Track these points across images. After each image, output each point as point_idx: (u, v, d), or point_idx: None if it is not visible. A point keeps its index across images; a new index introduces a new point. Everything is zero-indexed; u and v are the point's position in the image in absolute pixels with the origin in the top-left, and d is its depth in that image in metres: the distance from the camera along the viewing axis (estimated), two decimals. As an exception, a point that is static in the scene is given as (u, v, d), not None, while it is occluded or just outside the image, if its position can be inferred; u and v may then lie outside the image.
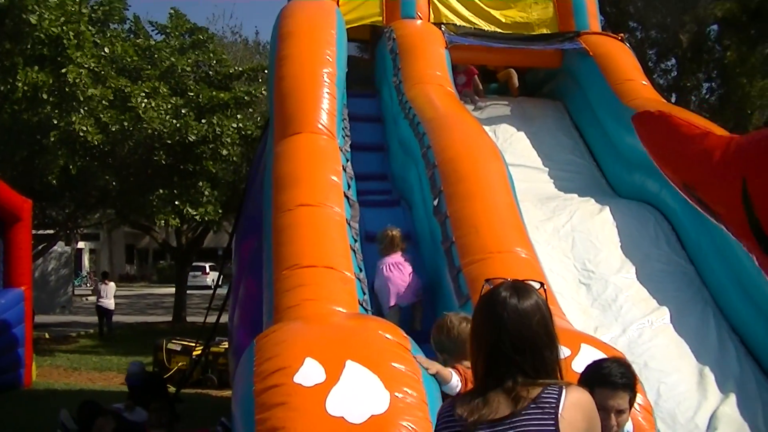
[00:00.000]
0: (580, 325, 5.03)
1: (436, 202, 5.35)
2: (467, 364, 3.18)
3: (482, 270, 4.63)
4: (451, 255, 4.91)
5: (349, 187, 5.39)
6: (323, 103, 5.89)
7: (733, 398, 4.88)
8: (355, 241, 4.98)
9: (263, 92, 14.93)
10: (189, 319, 20.35)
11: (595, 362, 2.92)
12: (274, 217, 4.87)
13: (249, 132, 14.45)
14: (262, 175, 5.96)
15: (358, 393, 3.00)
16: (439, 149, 5.72)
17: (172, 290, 22.55)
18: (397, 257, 5.37)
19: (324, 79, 6.09)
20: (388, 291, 5.24)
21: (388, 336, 3.42)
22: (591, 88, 7.85)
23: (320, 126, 5.72)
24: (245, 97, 14.73)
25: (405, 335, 3.55)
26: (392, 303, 5.24)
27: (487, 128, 6.92)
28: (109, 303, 18.18)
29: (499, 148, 5.97)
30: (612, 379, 2.77)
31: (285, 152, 5.47)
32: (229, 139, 14.05)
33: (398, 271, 5.29)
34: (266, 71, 15.02)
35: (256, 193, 6.47)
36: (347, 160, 5.79)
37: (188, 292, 22.23)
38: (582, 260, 5.97)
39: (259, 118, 15.84)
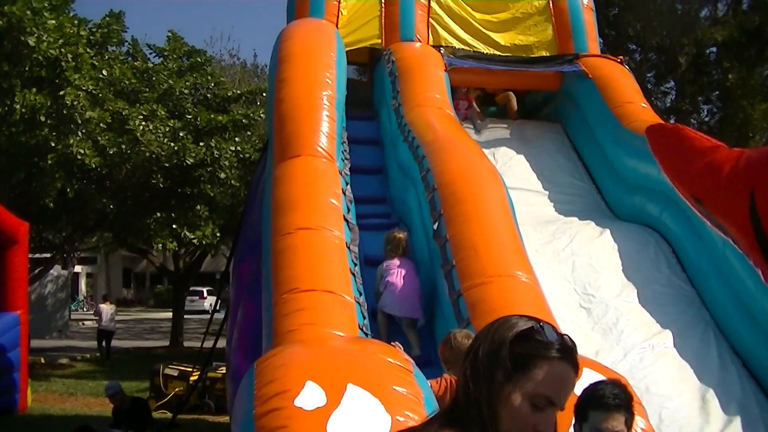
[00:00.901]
0: (581, 349, 5.00)
1: (435, 226, 5.37)
2: None
3: (482, 294, 4.66)
4: (451, 279, 4.93)
5: (348, 210, 5.43)
6: (322, 126, 5.95)
7: (736, 422, 4.88)
8: (355, 264, 5.01)
9: (261, 115, 15.06)
10: (186, 343, 20.30)
11: (590, 385, 2.92)
12: (273, 241, 4.91)
13: (247, 155, 14.53)
14: (261, 199, 6.01)
15: (360, 416, 3.01)
16: (439, 172, 5.77)
17: (170, 315, 22.51)
18: (401, 262, 5.50)
19: (323, 101, 6.16)
20: (386, 297, 5.33)
21: (389, 359, 3.44)
22: (590, 110, 7.92)
23: (319, 149, 5.77)
24: (243, 120, 14.84)
25: (407, 358, 3.57)
26: (387, 310, 5.35)
27: (486, 151, 6.97)
28: (110, 325, 18.17)
29: (498, 171, 6.01)
30: (605, 400, 2.78)
31: (284, 175, 5.52)
32: (227, 162, 14.13)
33: (401, 278, 5.39)
34: (265, 94, 15.16)
35: (255, 217, 6.50)
36: (347, 183, 5.83)
37: (186, 316, 22.19)
38: (582, 284, 5.99)
39: (257, 141, 15.93)
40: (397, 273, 5.48)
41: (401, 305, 5.38)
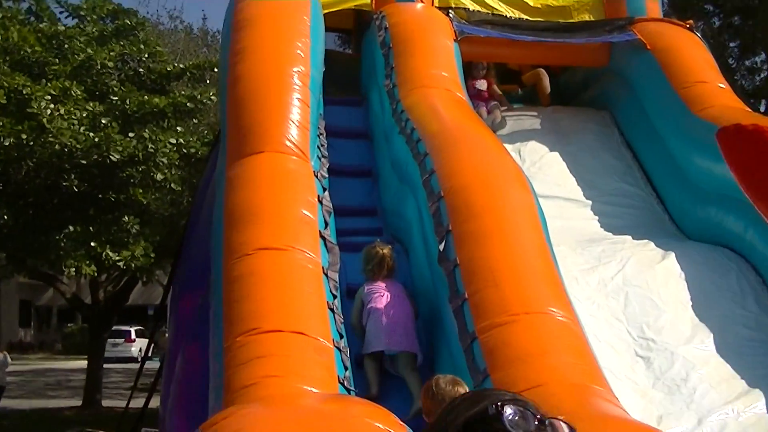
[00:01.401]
0: (638, 413, 5.06)
1: (442, 246, 5.44)
2: None
3: (504, 337, 4.70)
4: (463, 317, 4.98)
5: (326, 225, 5.49)
6: (292, 113, 6.01)
7: None
8: (334, 297, 5.05)
9: (212, 97, 15.07)
10: (105, 403, 20.19)
11: None
12: (226, 265, 4.96)
13: (192, 150, 14.53)
14: (211, 208, 6.05)
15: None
16: (447, 175, 5.83)
17: (84, 364, 22.41)
18: (388, 284, 5.65)
19: (294, 80, 6.21)
20: (372, 334, 5.47)
21: (378, 425, 3.45)
22: (649, 93, 8.01)
23: (288, 143, 5.84)
24: (188, 104, 14.84)
25: (401, 423, 3.58)
26: (373, 347, 5.45)
27: (509, 147, 7.03)
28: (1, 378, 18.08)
29: (525, 173, 6.08)
30: None
31: (241, 177, 5.57)
32: (165, 160, 14.10)
33: (389, 308, 5.53)
34: (216, 69, 15.17)
35: (202, 233, 6.52)
36: (324, 189, 5.88)
37: (105, 366, 22.10)
38: (639, 324, 6.04)
39: (206, 132, 15.96)
40: (383, 297, 5.60)
41: (390, 336, 5.48)
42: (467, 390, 3.97)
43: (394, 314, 5.55)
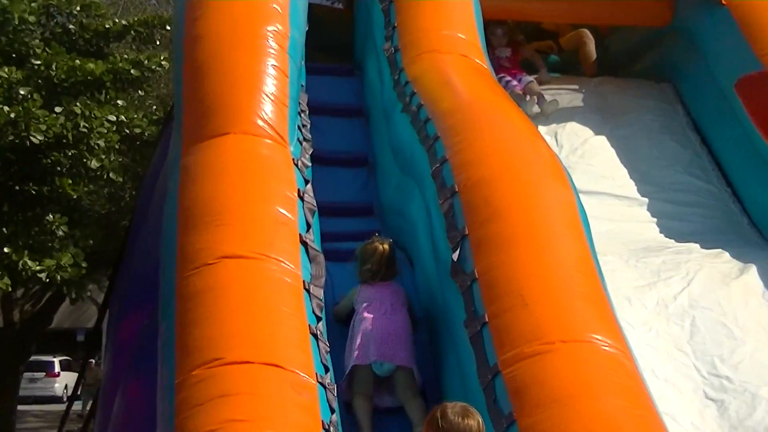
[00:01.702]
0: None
1: (456, 255, 5.46)
2: None
3: (536, 372, 4.69)
4: (482, 345, 4.98)
5: (308, 227, 5.51)
6: (266, 84, 6.03)
7: None
8: (318, 319, 5.06)
9: (163, 63, 15.05)
10: (23, 454, 20.17)
11: None
12: (180, 278, 4.97)
13: (137, 130, 14.50)
14: (162, 205, 6.06)
15: None
16: (463, 164, 5.86)
17: (-5, 403, 22.41)
18: (384, 291, 5.84)
19: (268, 43, 6.24)
20: (358, 343, 5.65)
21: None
22: (723, 60, 8.01)
23: (261, 123, 5.87)
24: (131, 71, 14.82)
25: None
26: (359, 361, 5.60)
27: (543, 129, 7.06)
28: None
29: (563, 162, 6.08)
30: None
31: (201, 166, 5.60)
32: (102, 142, 14.05)
33: (383, 315, 5.71)
34: (169, 27, 15.17)
35: (150, 236, 6.53)
36: (306, 182, 5.91)
37: (20, 407, 22.07)
38: (709, 358, 6.03)
39: (155, 107, 15.94)
40: (378, 305, 5.76)
41: (380, 346, 5.63)
42: (481, 423, 4.06)
43: (387, 323, 5.71)
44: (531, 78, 8.48)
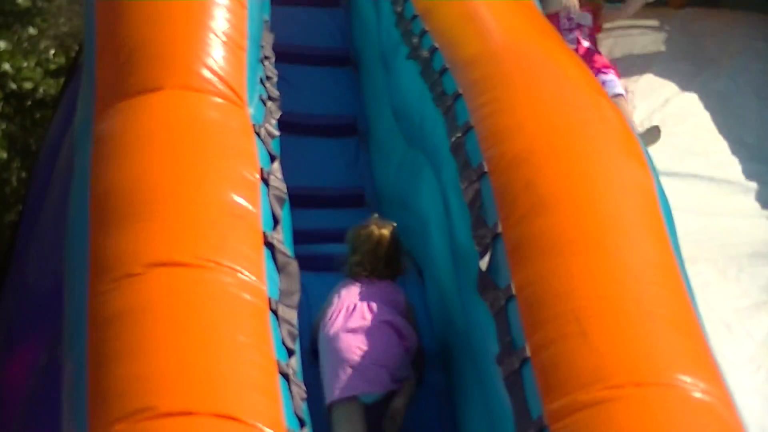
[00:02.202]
0: None
1: (485, 262, 5.46)
2: None
3: (598, 426, 4.72)
4: (522, 388, 4.98)
5: (276, 223, 5.53)
6: (214, 19, 6.07)
7: None
8: (290, 353, 5.04)
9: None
10: None
11: None
12: (94, 294, 4.94)
13: (28, 85, 14.55)
14: (65, 191, 6.07)
15: None
16: (496, 132, 5.87)
17: None
18: (371, 289, 6.00)
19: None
20: (336, 368, 5.83)
21: None
22: None
23: (207, 72, 5.89)
24: (18, 1, 14.87)
25: None
26: (338, 394, 5.80)
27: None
28: None
29: (637, 130, 6.09)
30: None
31: (121, 135, 5.61)
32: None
33: (368, 327, 5.90)
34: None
35: (47, 235, 6.56)
36: (273, 159, 5.93)
37: None
38: None
39: (53, 52, 15.94)
40: (361, 312, 5.92)
41: (367, 372, 5.82)
42: None
43: (373, 340, 5.86)
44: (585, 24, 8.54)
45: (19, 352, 6.82)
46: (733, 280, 6.56)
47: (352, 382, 5.77)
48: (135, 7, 6.15)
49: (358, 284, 6.02)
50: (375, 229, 6.05)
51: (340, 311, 5.94)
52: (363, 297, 5.96)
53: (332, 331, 5.91)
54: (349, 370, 5.79)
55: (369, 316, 5.91)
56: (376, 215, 6.22)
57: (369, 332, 5.85)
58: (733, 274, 6.60)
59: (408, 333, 5.96)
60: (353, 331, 5.87)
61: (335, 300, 6.05)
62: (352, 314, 5.91)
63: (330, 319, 5.94)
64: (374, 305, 5.92)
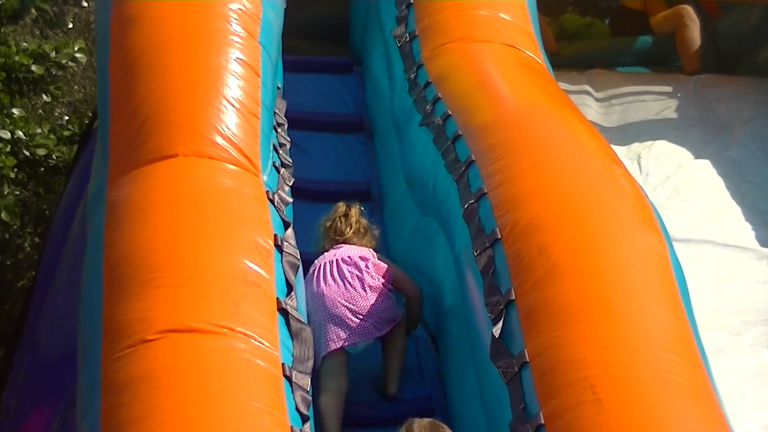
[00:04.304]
0: None
1: (498, 329, 5.42)
2: None
3: None
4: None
5: (290, 290, 5.51)
6: (228, 86, 6.09)
7: None
8: (305, 419, 4.98)
9: (78, 56, 15.12)
10: None
11: None
12: (107, 361, 4.93)
13: (41, 152, 14.55)
14: (78, 259, 6.05)
15: None
16: (509, 199, 5.87)
17: None
18: (350, 251, 6.39)
19: (231, 27, 6.31)
20: (322, 321, 6.20)
21: None
22: None
23: (221, 140, 5.91)
24: (32, 67, 14.90)
25: None
26: (332, 347, 6.15)
27: (621, 151, 7.06)
28: None
29: (650, 199, 6.08)
30: None
31: (135, 203, 5.61)
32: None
33: (343, 281, 6.31)
34: (87, 5, 15.21)
35: (61, 302, 6.53)
36: (287, 225, 5.94)
37: None
38: None
39: (66, 119, 15.93)
40: (337, 267, 6.35)
41: (352, 321, 6.24)
42: None
43: (353, 297, 6.24)
44: None
45: (31, 418, 6.80)
46: (748, 347, 6.53)
47: (339, 335, 6.17)
48: (149, 74, 6.16)
49: (335, 248, 6.41)
50: (342, 206, 6.50)
51: (322, 269, 6.31)
52: (341, 254, 6.36)
53: (317, 288, 6.25)
54: (336, 324, 6.19)
55: (349, 271, 6.30)
56: (344, 202, 6.73)
57: (351, 285, 6.26)
58: (747, 341, 6.57)
59: (387, 272, 6.39)
60: (337, 284, 6.26)
61: (316, 262, 6.38)
62: (332, 270, 6.30)
63: (314, 278, 6.29)
64: (352, 259, 6.35)
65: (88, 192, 6.45)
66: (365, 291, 6.29)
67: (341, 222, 6.52)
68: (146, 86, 6.11)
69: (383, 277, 6.38)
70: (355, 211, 6.59)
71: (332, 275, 6.31)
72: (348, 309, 6.23)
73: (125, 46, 6.33)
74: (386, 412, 6.23)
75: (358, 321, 6.23)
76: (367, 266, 6.35)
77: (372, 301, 6.28)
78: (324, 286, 6.28)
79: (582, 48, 9.80)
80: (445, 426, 5.02)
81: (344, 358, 6.22)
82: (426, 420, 4.99)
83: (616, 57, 9.17)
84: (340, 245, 6.45)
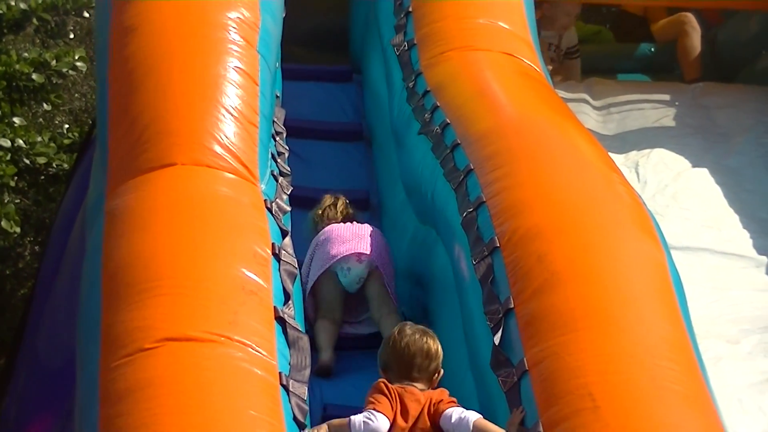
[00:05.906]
0: None
1: (498, 338, 5.39)
2: (416, 387, 5.13)
3: None
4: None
5: (287, 298, 5.50)
6: (227, 95, 6.09)
7: None
8: (301, 428, 4.91)
9: (79, 64, 15.11)
10: None
11: None
12: (105, 369, 4.92)
13: (41, 160, 14.53)
14: (77, 267, 6.05)
15: None
16: (508, 208, 5.86)
17: None
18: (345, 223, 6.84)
19: (230, 36, 6.31)
20: (328, 249, 6.64)
21: None
22: None
23: (219, 149, 5.91)
24: (33, 76, 14.89)
25: None
26: (322, 268, 6.58)
27: (619, 159, 7.05)
28: None
29: (648, 207, 6.08)
30: None
31: (134, 211, 5.61)
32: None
33: (353, 232, 6.75)
34: (88, 15, 15.22)
35: (59, 311, 6.52)
36: (284, 234, 5.93)
37: None
38: None
39: (66, 128, 15.89)
40: (346, 227, 6.76)
41: (344, 244, 6.61)
42: (439, 350, 5.26)
43: (353, 229, 6.73)
44: None
45: (32, 427, 6.79)
46: (746, 355, 6.52)
47: (338, 251, 6.56)
48: (148, 83, 6.17)
49: (332, 225, 6.79)
50: (330, 196, 6.81)
51: (331, 234, 6.65)
52: (342, 229, 6.72)
53: (327, 234, 6.65)
54: (341, 243, 6.59)
55: (355, 228, 6.71)
56: (329, 194, 7.02)
57: (358, 234, 6.65)
58: (745, 349, 6.56)
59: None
60: (345, 227, 6.72)
61: (315, 240, 6.74)
62: (341, 230, 6.67)
63: (322, 235, 6.68)
64: (358, 224, 6.78)
65: (87, 200, 6.46)
66: (370, 233, 6.68)
67: (331, 210, 6.76)
68: (145, 95, 6.12)
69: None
70: (342, 200, 6.85)
71: (347, 229, 6.70)
72: (355, 235, 6.63)
73: (125, 55, 6.33)
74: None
75: (362, 243, 6.61)
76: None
77: (377, 239, 6.67)
78: (334, 229, 6.66)
79: (584, 53, 9.81)
80: (435, 336, 5.29)
81: (339, 287, 6.58)
82: (418, 325, 5.30)
83: (618, 63, 9.12)
84: (341, 223, 6.83)
